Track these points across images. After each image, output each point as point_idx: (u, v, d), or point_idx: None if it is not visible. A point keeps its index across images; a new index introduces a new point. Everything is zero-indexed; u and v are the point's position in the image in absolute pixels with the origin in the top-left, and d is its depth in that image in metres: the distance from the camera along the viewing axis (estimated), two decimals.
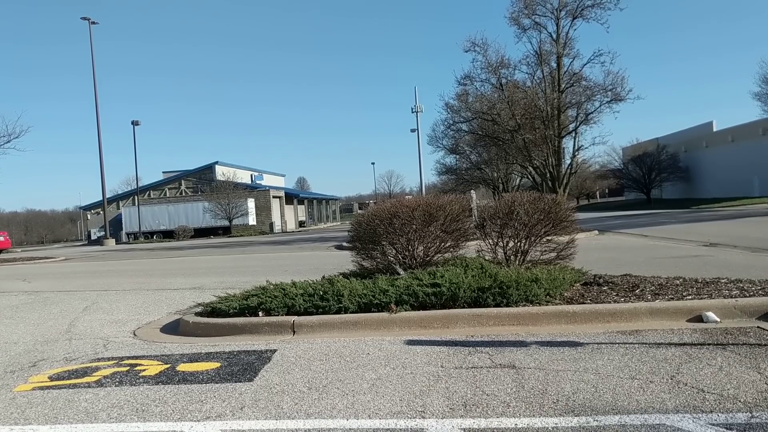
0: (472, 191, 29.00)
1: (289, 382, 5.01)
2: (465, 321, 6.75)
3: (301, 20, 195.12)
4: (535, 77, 31.96)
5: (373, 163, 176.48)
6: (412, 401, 4.31)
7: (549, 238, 9.07)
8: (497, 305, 6.95)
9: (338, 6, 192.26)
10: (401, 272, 8.39)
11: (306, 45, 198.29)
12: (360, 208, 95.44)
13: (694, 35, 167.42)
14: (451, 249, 9.19)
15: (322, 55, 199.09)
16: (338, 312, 7.14)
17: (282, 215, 66.44)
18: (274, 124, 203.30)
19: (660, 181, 70.39)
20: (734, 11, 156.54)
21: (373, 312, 7.06)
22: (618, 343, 5.60)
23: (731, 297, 6.72)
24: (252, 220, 60.12)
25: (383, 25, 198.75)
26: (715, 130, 67.14)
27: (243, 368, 5.54)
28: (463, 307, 6.98)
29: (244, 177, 67.59)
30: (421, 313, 6.94)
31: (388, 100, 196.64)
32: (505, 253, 9.04)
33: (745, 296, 6.72)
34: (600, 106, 30.07)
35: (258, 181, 71.00)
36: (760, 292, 6.91)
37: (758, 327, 5.88)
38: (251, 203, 59.96)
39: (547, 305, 6.95)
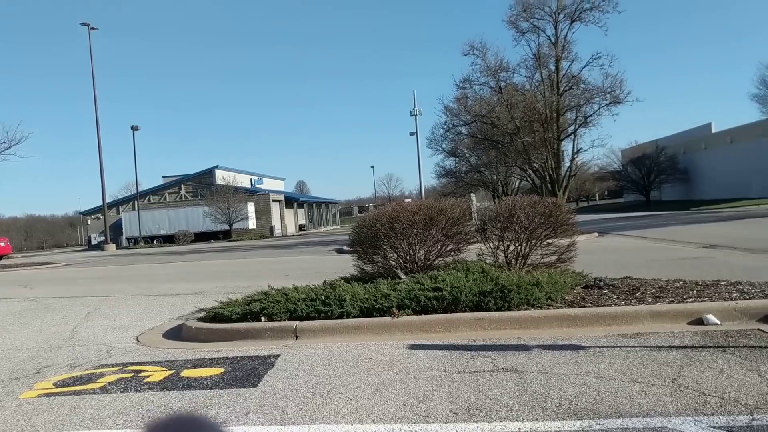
0: (471, 194, 29.09)
1: (293, 387, 5.04)
2: (467, 325, 6.78)
3: (300, 24, 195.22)
4: (534, 80, 32.13)
5: (372, 167, 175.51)
6: (415, 406, 4.34)
7: (549, 241, 9.10)
8: (499, 309, 6.98)
9: (339, 11, 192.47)
10: (402, 276, 8.42)
11: (303, 49, 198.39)
12: (360, 212, 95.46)
13: (695, 39, 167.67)
14: (452, 253, 9.22)
15: (321, 60, 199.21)
16: (340, 317, 7.17)
17: (282, 219, 66.45)
18: (274, 129, 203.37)
19: (659, 182, 70.43)
20: (733, 20, 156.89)
21: (375, 316, 7.09)
22: (619, 347, 5.63)
23: (731, 299, 6.75)
24: (252, 224, 60.07)
25: (382, 28, 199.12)
26: (713, 131, 67.25)
27: (247, 374, 5.57)
28: (465, 311, 7.01)
29: (243, 181, 67.61)
30: (423, 317, 6.97)
31: (387, 103, 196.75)
32: (506, 257, 9.07)
33: (746, 299, 6.75)
34: (599, 108, 30.23)
35: (258, 185, 71.05)
36: (760, 294, 6.94)
37: (759, 329, 5.91)
38: (251, 207, 59.92)
39: (548, 309, 6.98)
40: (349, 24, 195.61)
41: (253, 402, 4.70)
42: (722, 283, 7.84)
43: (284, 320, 7.27)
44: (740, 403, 3.93)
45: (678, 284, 7.99)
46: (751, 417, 3.69)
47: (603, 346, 5.68)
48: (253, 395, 4.89)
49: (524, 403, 4.24)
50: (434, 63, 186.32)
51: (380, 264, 9.12)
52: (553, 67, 31.14)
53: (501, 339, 6.30)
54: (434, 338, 6.56)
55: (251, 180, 71.84)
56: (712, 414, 3.78)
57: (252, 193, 64.10)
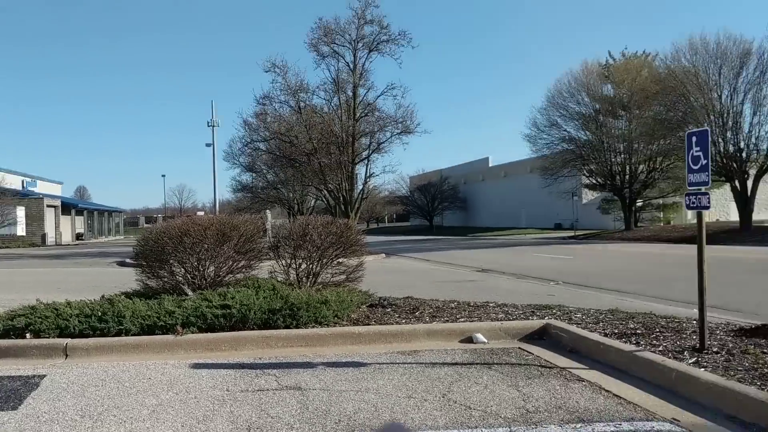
0: (267, 211, 29.00)
1: (59, 410, 4.65)
2: (254, 343, 6.74)
3: (78, 13, 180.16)
4: (333, 104, 33.00)
5: (163, 176, 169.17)
6: (194, 427, 4.22)
7: (340, 260, 9.37)
8: (287, 327, 7.02)
9: (140, 8, 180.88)
10: (190, 293, 8.15)
11: (84, 39, 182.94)
12: (147, 223, 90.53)
13: (480, 74, 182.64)
14: (244, 269, 9.12)
15: (104, 52, 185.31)
16: (118, 334, 6.75)
17: (57, 226, 60.99)
18: (51, 126, 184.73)
19: (442, 209, 75.71)
20: (512, 62, 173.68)
21: (158, 334, 6.78)
22: (398, 363, 5.94)
23: (498, 320, 7.44)
24: (21, 230, 54.47)
25: (182, 36, 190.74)
26: (490, 165, 73.90)
27: (6, 395, 5.03)
28: (254, 329, 6.96)
29: (14, 182, 61.03)
30: (209, 335, 6.80)
31: (184, 104, 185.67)
32: (297, 275, 9.17)
33: (510, 320, 7.47)
34: (391, 136, 31.95)
35: (30, 188, 64.68)
36: (521, 316, 7.73)
37: (519, 348, 6.57)
38: (21, 212, 54.36)
39: (335, 326, 7.17)
40: (139, 11, 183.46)
41: (11, 426, 4.26)
42: (491, 305, 8.60)
43: (53, 337, 6.69)
44: (500, 417, 4.33)
45: (453, 305, 8.62)
46: (509, 429, 4.08)
47: (383, 363, 5.95)
48: (12, 419, 4.43)
49: (305, 420, 4.31)
50: (235, 71, 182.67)
51: (166, 279, 8.74)
52: (350, 93, 32.23)
53: (287, 357, 6.34)
54: (220, 357, 6.42)
55: (23, 182, 65.20)
56: (476, 427, 4.13)
57: (23, 196, 58.19)
